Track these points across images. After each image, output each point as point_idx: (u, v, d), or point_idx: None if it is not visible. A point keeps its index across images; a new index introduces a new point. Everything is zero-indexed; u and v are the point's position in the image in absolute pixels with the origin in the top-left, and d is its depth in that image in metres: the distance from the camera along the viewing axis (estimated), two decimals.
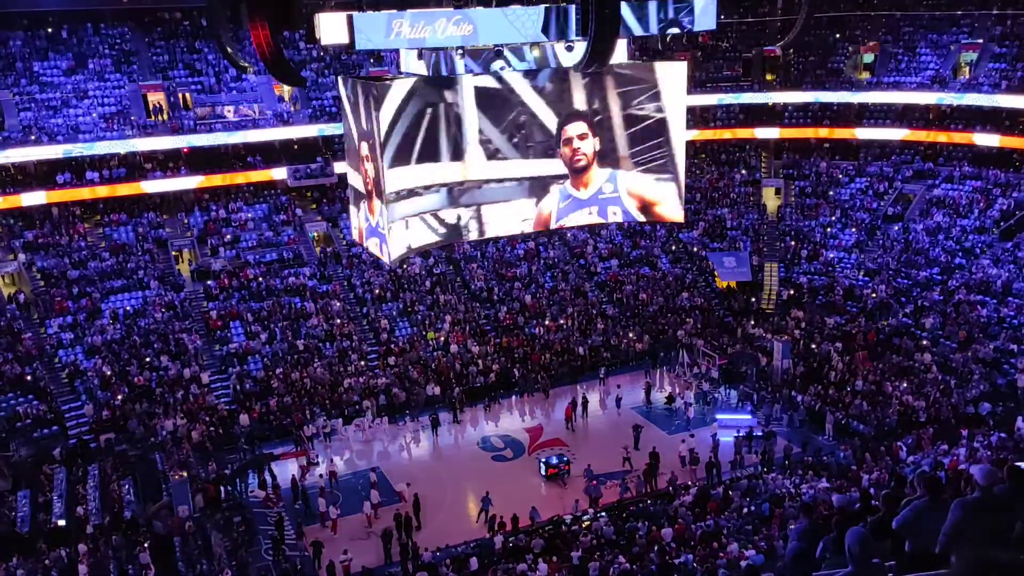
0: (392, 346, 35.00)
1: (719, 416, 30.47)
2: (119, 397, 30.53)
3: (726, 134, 46.46)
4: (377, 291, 37.65)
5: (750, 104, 45.35)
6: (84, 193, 37.08)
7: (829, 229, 42.14)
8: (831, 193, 44.00)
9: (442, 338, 35.61)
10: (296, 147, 40.53)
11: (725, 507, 23.27)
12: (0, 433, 28.26)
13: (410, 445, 30.43)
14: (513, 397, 33.22)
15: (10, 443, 28.10)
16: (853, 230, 41.55)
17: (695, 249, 42.35)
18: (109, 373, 31.38)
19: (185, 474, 25.71)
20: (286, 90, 40.83)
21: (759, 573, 9.46)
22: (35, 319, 33.50)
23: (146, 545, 22.57)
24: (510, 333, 36.30)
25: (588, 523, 23.53)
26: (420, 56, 19.81)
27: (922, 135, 42.53)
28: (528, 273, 39.93)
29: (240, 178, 39.92)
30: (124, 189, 37.74)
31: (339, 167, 38.99)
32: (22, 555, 22.38)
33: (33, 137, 35.57)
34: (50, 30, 39.74)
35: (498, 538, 22.88)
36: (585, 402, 31.35)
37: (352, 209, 22.76)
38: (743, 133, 46.18)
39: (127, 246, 36.99)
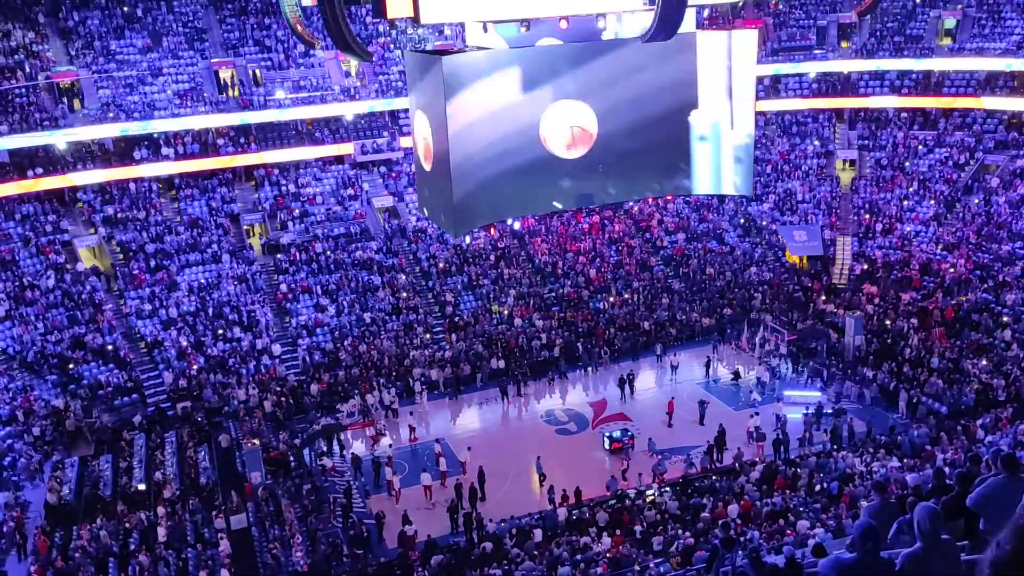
0: (457, 320, 35.28)
1: (786, 392, 29.93)
2: (195, 367, 31.51)
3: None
4: (442, 265, 37.93)
5: (832, 72, 43.90)
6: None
7: (906, 202, 40.77)
8: (908, 164, 42.51)
9: (506, 312, 35.74)
10: (363, 121, 41.00)
11: (793, 485, 22.92)
12: (83, 400, 29.48)
13: (475, 417, 30.72)
14: (577, 371, 33.22)
15: (93, 410, 29.34)
16: (931, 202, 40.10)
17: (765, 223, 41.48)
18: (185, 344, 32.38)
19: (257, 442, 26.44)
20: (353, 65, 41.17)
21: (827, 551, 9.28)
22: (115, 291, 34.70)
23: (223, 509, 23.33)
24: (574, 307, 36.23)
25: (652, 497, 23.47)
26: (485, 29, 19.64)
27: None
28: (592, 247, 39.71)
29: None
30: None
31: (405, 141, 39.28)
32: (106, 516, 23.42)
33: (111, 115, 36.63)
34: (125, 8, 40.80)
35: (561, 510, 23.00)
36: (631, 378, 31.22)
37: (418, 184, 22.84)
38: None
39: (200, 220, 37.95)
